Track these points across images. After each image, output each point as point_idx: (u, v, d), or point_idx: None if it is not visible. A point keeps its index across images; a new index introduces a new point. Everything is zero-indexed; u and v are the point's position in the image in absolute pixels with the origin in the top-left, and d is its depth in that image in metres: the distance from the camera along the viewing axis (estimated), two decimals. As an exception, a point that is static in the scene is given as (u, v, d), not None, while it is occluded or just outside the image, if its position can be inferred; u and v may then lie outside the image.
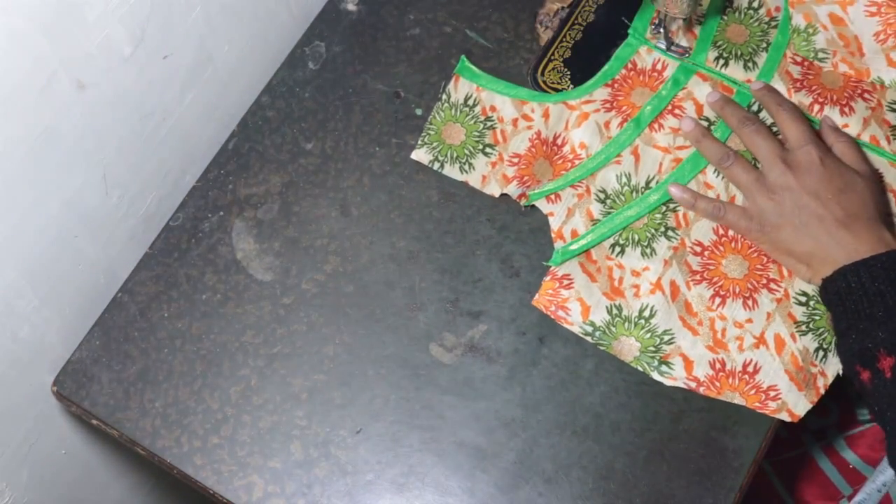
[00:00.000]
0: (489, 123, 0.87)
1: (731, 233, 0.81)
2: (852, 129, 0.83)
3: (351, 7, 0.93)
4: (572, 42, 0.90)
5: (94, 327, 0.82)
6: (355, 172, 0.86)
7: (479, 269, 0.82)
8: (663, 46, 0.88)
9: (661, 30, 0.88)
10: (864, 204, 0.76)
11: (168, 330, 0.81)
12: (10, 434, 0.79)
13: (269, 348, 0.80)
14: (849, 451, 0.97)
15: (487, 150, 0.86)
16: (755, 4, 0.88)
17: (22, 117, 0.67)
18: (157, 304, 0.82)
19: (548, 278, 0.80)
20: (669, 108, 0.85)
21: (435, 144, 0.87)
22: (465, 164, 0.86)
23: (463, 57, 0.89)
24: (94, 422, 0.79)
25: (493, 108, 0.87)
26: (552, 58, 0.89)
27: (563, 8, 0.92)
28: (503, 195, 0.84)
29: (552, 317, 0.79)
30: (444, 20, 0.92)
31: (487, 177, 0.85)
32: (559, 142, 0.85)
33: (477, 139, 0.86)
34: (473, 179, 0.85)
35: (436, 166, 0.86)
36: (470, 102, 0.88)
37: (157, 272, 0.83)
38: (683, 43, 0.88)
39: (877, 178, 0.79)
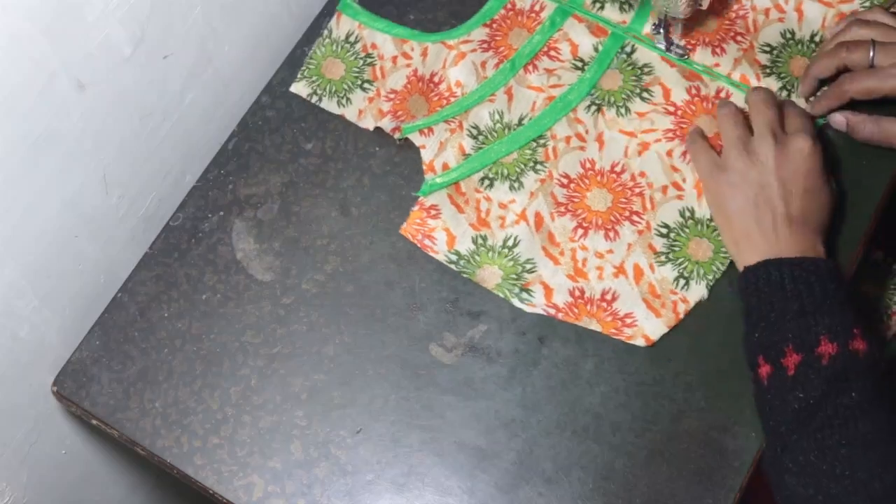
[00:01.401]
0: (369, 60, 0.89)
1: (597, 166, 0.83)
2: (723, 69, 0.86)
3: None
4: (572, 42, 0.90)
5: (94, 327, 0.82)
6: (355, 172, 0.86)
7: (479, 269, 0.82)
8: (662, 47, 0.88)
9: (661, 30, 0.88)
10: (818, 213, 0.77)
11: (168, 330, 0.81)
12: (10, 434, 0.79)
13: (269, 348, 0.80)
14: None
15: (366, 85, 0.88)
16: None
17: (22, 117, 0.67)
18: (157, 304, 0.82)
19: (416, 208, 0.83)
20: (545, 49, 0.87)
21: (314, 79, 0.89)
22: (342, 98, 0.88)
23: None
24: (94, 422, 0.79)
25: (373, 46, 0.89)
26: (552, 58, 0.89)
27: None
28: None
29: (418, 245, 0.82)
30: (444, 20, 0.92)
31: (364, 111, 0.87)
32: (436, 79, 0.87)
33: (356, 75, 0.89)
34: (350, 113, 0.87)
35: (314, 99, 0.88)
36: (351, 39, 0.90)
37: (157, 272, 0.83)
38: (681, 43, 0.88)
39: (837, 198, 0.80)
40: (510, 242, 0.81)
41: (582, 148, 0.84)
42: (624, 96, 0.85)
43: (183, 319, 0.82)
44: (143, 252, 0.84)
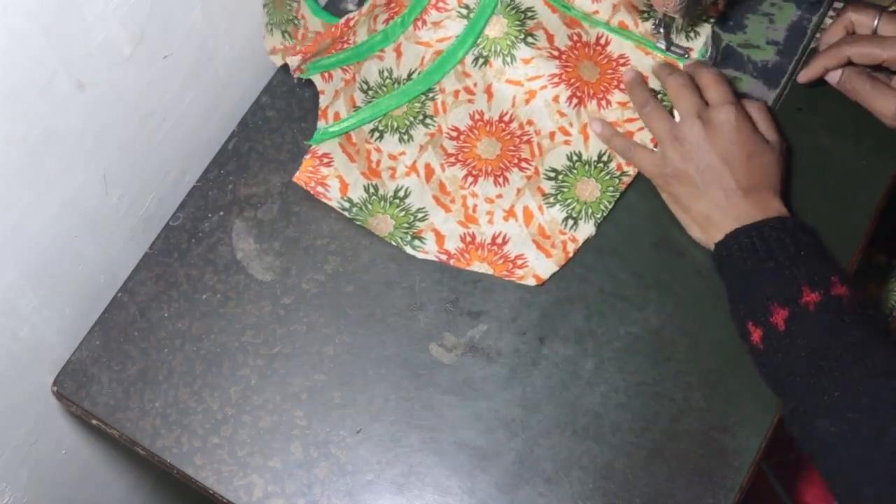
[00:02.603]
0: (295, 21, 0.88)
1: (486, 117, 0.84)
2: (602, 14, 0.87)
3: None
4: None
5: (94, 327, 0.82)
6: (355, 172, 0.86)
7: (479, 269, 0.82)
8: (663, 47, 0.88)
9: (661, 30, 0.88)
10: (766, 174, 0.78)
11: (168, 330, 0.81)
12: (10, 434, 0.79)
13: (269, 348, 0.80)
14: None
15: (290, 27, 0.88)
16: None
17: (22, 117, 0.67)
18: (157, 304, 0.82)
19: (308, 156, 0.84)
20: (434, 1, 0.86)
21: (269, 9, 0.88)
22: (277, 29, 0.88)
23: None
24: (94, 422, 0.79)
25: (301, 15, 0.88)
26: None
27: None
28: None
29: (312, 192, 0.83)
30: None
31: (276, 49, 0.87)
32: (343, 24, 0.86)
33: (289, 12, 0.88)
34: (268, 46, 0.88)
35: (267, 28, 0.88)
36: None
37: (157, 272, 0.83)
38: (683, 43, 0.88)
39: (784, 149, 0.81)
40: (401, 193, 0.83)
41: (471, 101, 0.85)
42: (509, 43, 0.85)
43: (183, 319, 0.82)
44: (143, 252, 0.84)
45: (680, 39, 0.88)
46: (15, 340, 0.76)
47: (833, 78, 0.84)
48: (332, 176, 0.83)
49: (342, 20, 0.85)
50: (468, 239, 0.82)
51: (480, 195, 0.83)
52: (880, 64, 0.81)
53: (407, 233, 0.82)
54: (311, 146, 0.84)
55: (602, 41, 0.87)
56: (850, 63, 0.83)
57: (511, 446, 0.76)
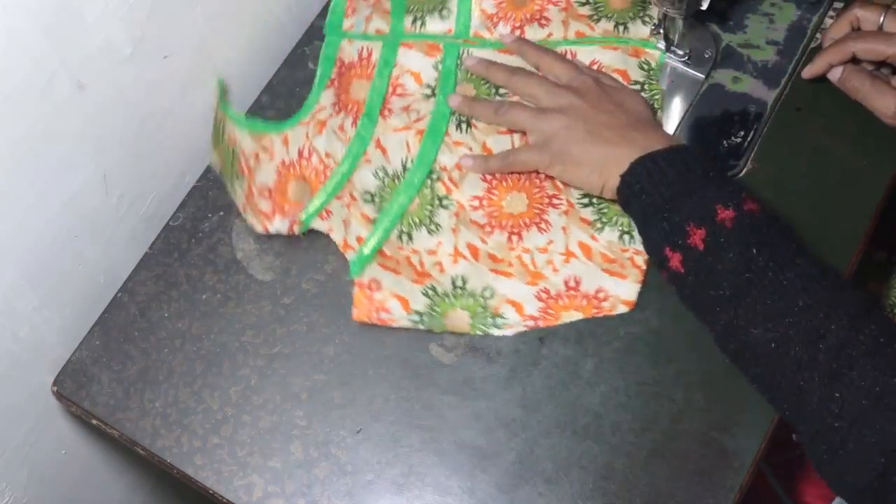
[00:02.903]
0: (236, 153, 0.84)
1: (497, 175, 0.83)
2: (557, 35, 0.87)
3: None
4: (572, 42, 0.90)
5: (94, 327, 0.82)
6: (355, 172, 0.86)
7: (479, 269, 0.82)
8: (663, 47, 0.88)
9: (661, 30, 0.88)
10: (644, 113, 0.80)
11: (168, 330, 0.81)
12: (10, 434, 0.79)
13: (269, 348, 0.80)
14: None
15: (238, 177, 0.84)
16: None
17: (22, 117, 0.67)
18: (157, 304, 0.82)
19: (356, 290, 0.79)
20: (390, 90, 0.85)
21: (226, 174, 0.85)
22: (231, 185, 0.84)
23: (219, 80, 0.86)
24: (94, 422, 0.79)
25: (233, 140, 0.84)
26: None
27: (562, 8, 0.92)
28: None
29: (378, 323, 0.79)
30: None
31: (245, 207, 0.83)
32: (305, 154, 0.84)
33: (232, 165, 0.84)
34: (238, 202, 0.84)
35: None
36: (220, 127, 0.85)
37: (157, 272, 0.83)
38: (679, 50, 0.88)
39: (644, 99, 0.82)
40: (459, 282, 0.79)
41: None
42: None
43: (183, 319, 0.82)
44: (143, 252, 0.84)
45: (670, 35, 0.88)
46: (15, 340, 0.76)
47: (834, 75, 0.84)
48: (388, 298, 0.79)
49: (296, 156, 0.83)
50: (543, 296, 0.79)
51: (532, 248, 0.80)
52: (884, 61, 0.81)
53: (485, 316, 0.78)
54: (354, 280, 0.80)
55: (568, 56, 0.87)
56: (854, 60, 0.83)
57: (511, 446, 0.76)
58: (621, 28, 0.88)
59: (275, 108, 0.89)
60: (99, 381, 0.80)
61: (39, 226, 0.74)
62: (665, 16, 0.85)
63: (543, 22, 0.88)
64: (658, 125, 0.79)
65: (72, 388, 0.80)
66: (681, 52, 0.88)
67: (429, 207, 0.81)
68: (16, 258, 0.73)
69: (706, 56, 0.89)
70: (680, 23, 0.86)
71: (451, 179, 0.82)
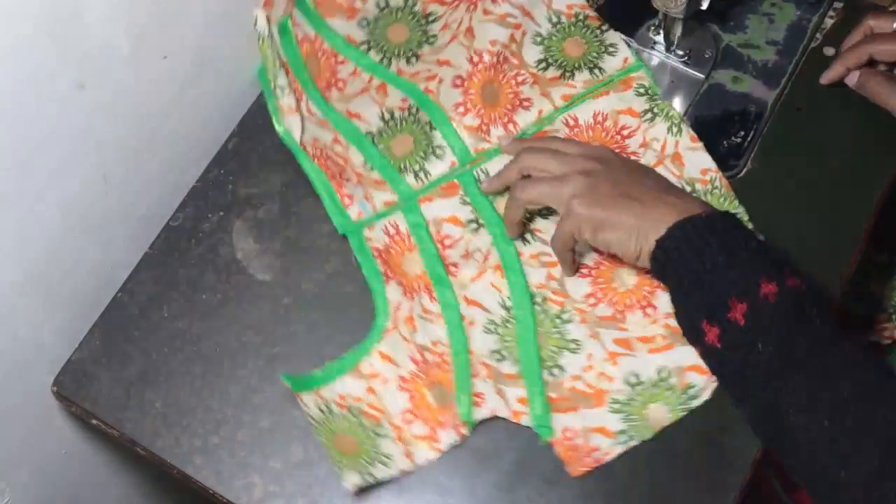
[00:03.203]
0: None
1: (587, 260, 0.80)
2: (546, 108, 0.85)
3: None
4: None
5: (94, 327, 0.82)
6: (355, 172, 0.86)
7: (479, 269, 0.82)
8: (662, 48, 0.88)
9: (661, 31, 0.88)
10: (668, 183, 0.75)
11: (168, 330, 0.81)
12: (10, 434, 0.79)
13: (269, 348, 0.80)
14: None
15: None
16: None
17: (22, 117, 0.67)
18: (157, 304, 0.82)
19: (557, 450, 0.74)
20: (440, 247, 0.81)
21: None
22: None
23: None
24: (94, 422, 0.79)
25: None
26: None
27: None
28: None
29: (596, 464, 0.74)
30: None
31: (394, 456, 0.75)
32: (418, 357, 0.77)
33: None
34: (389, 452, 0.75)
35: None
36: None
37: (157, 272, 0.83)
38: (680, 50, 0.88)
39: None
40: (632, 381, 0.75)
41: (576, 272, 0.80)
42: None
43: (183, 319, 0.82)
44: (143, 252, 0.84)
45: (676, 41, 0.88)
46: (15, 340, 0.76)
47: (852, 80, 0.84)
48: (588, 437, 0.74)
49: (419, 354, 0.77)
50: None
51: (670, 310, 0.74)
52: None
53: (678, 397, 0.74)
54: (551, 441, 0.74)
55: (572, 122, 0.85)
56: (870, 63, 0.83)
57: (511, 446, 0.76)
58: (597, 71, 0.86)
59: (275, 108, 0.89)
60: (99, 381, 0.80)
61: (39, 226, 0.74)
62: (665, 16, 0.85)
63: (525, 104, 0.85)
64: (686, 194, 0.74)
65: (72, 388, 0.80)
66: (681, 52, 0.88)
67: (555, 331, 0.77)
68: (16, 258, 0.73)
69: (706, 56, 0.89)
70: (680, 23, 0.86)
71: (555, 293, 0.79)
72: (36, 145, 0.69)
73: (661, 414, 0.74)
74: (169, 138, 0.84)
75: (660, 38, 0.89)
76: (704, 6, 0.83)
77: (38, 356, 0.79)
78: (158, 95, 0.80)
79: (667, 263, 0.69)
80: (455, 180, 0.83)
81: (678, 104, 0.88)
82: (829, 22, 0.91)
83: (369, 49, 0.87)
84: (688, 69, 0.89)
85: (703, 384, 0.75)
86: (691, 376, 0.75)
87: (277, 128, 0.84)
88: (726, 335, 0.67)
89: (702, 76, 0.89)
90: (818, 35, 0.90)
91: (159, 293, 0.83)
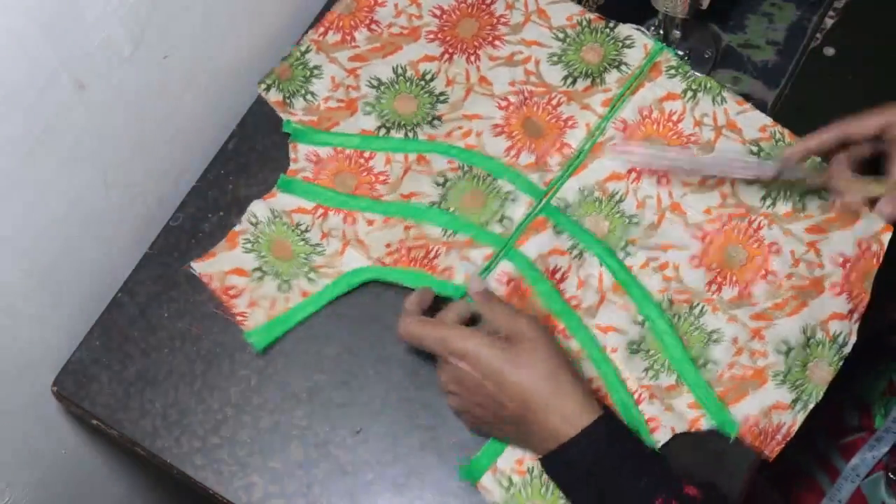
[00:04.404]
0: None
1: (691, 249, 0.80)
2: (592, 121, 0.84)
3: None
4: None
5: (94, 327, 0.82)
6: (355, 172, 0.86)
7: (479, 269, 0.82)
8: (661, 40, 0.88)
9: (661, 31, 0.88)
10: (568, 376, 0.70)
11: (168, 330, 0.81)
12: (10, 434, 0.79)
13: (269, 348, 0.80)
14: (841, 461, 0.96)
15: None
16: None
17: (22, 117, 0.67)
18: (157, 304, 0.82)
19: (746, 439, 0.75)
20: (556, 283, 0.79)
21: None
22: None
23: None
24: (94, 422, 0.79)
25: None
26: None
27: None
28: None
29: (786, 439, 0.75)
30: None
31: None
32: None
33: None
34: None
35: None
36: None
37: (157, 272, 0.83)
38: (680, 50, 0.88)
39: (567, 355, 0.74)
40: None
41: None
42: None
43: (183, 319, 0.82)
44: (143, 252, 0.84)
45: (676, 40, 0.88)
46: (15, 340, 0.76)
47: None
48: None
49: None
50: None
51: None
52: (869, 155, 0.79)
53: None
54: None
55: (620, 126, 0.84)
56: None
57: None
58: (624, 67, 0.86)
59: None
60: (99, 381, 0.80)
61: (39, 226, 0.74)
62: (665, 16, 0.85)
63: (570, 123, 0.85)
64: (574, 381, 0.69)
65: (72, 388, 0.80)
66: (681, 53, 0.88)
67: (694, 328, 0.78)
68: (16, 258, 0.73)
69: (706, 56, 0.89)
70: (680, 23, 0.86)
71: (678, 292, 0.79)
72: (36, 145, 0.69)
73: (822, 369, 0.76)
74: (169, 138, 0.84)
75: (660, 37, 0.89)
76: (704, 6, 0.83)
77: (38, 356, 0.79)
78: (158, 95, 0.80)
79: (558, 475, 0.70)
80: (540, 216, 0.81)
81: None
82: (829, 22, 0.91)
83: (388, 131, 0.85)
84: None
85: (847, 329, 0.78)
86: (833, 325, 0.78)
87: (356, 279, 0.81)
88: None
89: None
90: (818, 35, 0.90)
91: (159, 293, 0.83)
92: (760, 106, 0.87)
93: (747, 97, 0.87)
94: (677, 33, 0.88)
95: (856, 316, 0.78)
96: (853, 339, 0.77)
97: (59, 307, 0.80)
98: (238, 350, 0.80)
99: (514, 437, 0.73)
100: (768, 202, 0.82)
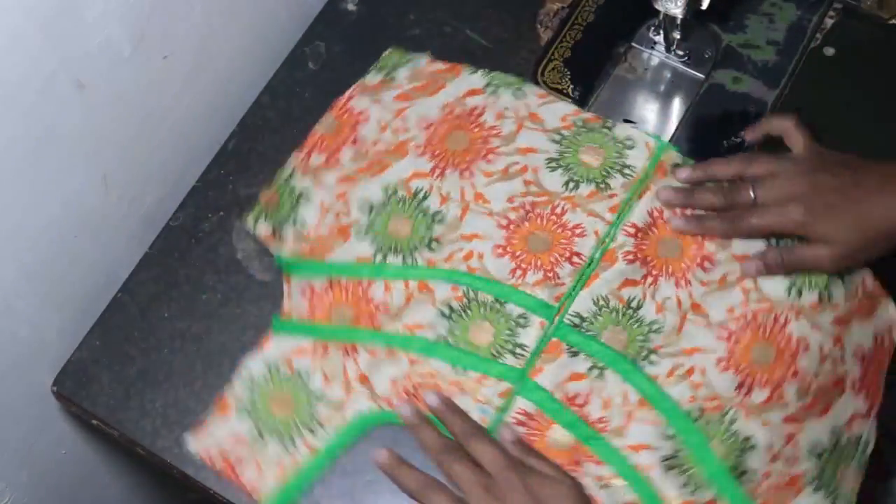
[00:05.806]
0: None
1: (718, 351, 0.77)
2: (600, 228, 0.80)
3: (351, 7, 0.93)
4: (572, 42, 0.90)
5: (94, 327, 0.82)
6: (355, 172, 0.86)
7: (479, 270, 0.82)
8: (662, 49, 0.88)
9: (661, 31, 0.88)
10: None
11: (168, 330, 0.81)
12: (10, 434, 0.79)
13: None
14: None
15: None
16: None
17: (22, 117, 0.67)
18: (157, 304, 0.82)
19: None
20: (577, 410, 0.75)
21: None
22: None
23: None
24: (94, 422, 0.79)
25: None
26: (552, 58, 0.89)
27: (563, 8, 0.92)
28: None
29: None
30: (443, 20, 0.92)
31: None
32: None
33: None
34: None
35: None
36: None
37: (157, 272, 0.83)
38: (680, 50, 0.88)
39: (577, 483, 0.72)
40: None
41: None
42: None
43: (183, 319, 0.82)
44: (143, 252, 0.84)
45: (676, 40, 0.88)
46: (15, 340, 0.76)
47: (755, 270, 0.79)
48: None
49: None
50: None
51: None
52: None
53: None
54: None
55: (631, 231, 0.80)
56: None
57: (511, 446, 0.76)
58: (628, 171, 0.82)
59: (275, 109, 0.89)
60: (99, 381, 0.80)
61: (39, 226, 0.74)
62: (665, 16, 0.85)
63: (578, 231, 0.80)
64: None
65: (72, 388, 0.80)
66: (681, 53, 0.88)
67: (728, 436, 0.74)
68: (16, 258, 0.73)
69: (706, 56, 0.89)
70: (680, 23, 0.86)
71: (707, 399, 0.75)
72: (36, 145, 0.69)
73: (852, 474, 0.73)
74: (169, 138, 0.84)
75: (660, 38, 0.89)
76: (704, 6, 0.83)
77: (38, 356, 0.79)
78: (158, 95, 0.80)
79: None
80: (553, 339, 0.77)
81: (678, 104, 0.88)
82: (829, 22, 0.91)
83: (385, 257, 0.80)
84: (688, 69, 0.89)
85: (868, 427, 0.74)
86: (855, 426, 0.74)
87: (363, 427, 0.77)
88: None
89: (702, 76, 0.89)
90: (818, 35, 0.90)
91: (159, 293, 0.83)
92: (760, 106, 0.87)
93: (747, 97, 0.87)
94: (677, 33, 0.88)
95: (873, 413, 0.75)
96: (873, 439, 0.74)
97: (59, 307, 0.80)
98: (238, 350, 0.80)
99: None
100: (793, 293, 0.77)
